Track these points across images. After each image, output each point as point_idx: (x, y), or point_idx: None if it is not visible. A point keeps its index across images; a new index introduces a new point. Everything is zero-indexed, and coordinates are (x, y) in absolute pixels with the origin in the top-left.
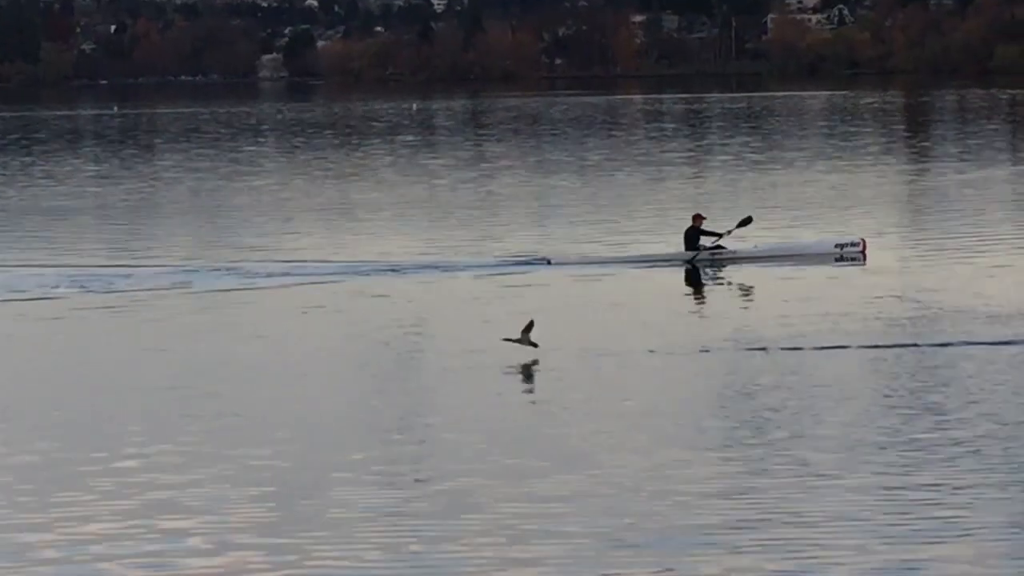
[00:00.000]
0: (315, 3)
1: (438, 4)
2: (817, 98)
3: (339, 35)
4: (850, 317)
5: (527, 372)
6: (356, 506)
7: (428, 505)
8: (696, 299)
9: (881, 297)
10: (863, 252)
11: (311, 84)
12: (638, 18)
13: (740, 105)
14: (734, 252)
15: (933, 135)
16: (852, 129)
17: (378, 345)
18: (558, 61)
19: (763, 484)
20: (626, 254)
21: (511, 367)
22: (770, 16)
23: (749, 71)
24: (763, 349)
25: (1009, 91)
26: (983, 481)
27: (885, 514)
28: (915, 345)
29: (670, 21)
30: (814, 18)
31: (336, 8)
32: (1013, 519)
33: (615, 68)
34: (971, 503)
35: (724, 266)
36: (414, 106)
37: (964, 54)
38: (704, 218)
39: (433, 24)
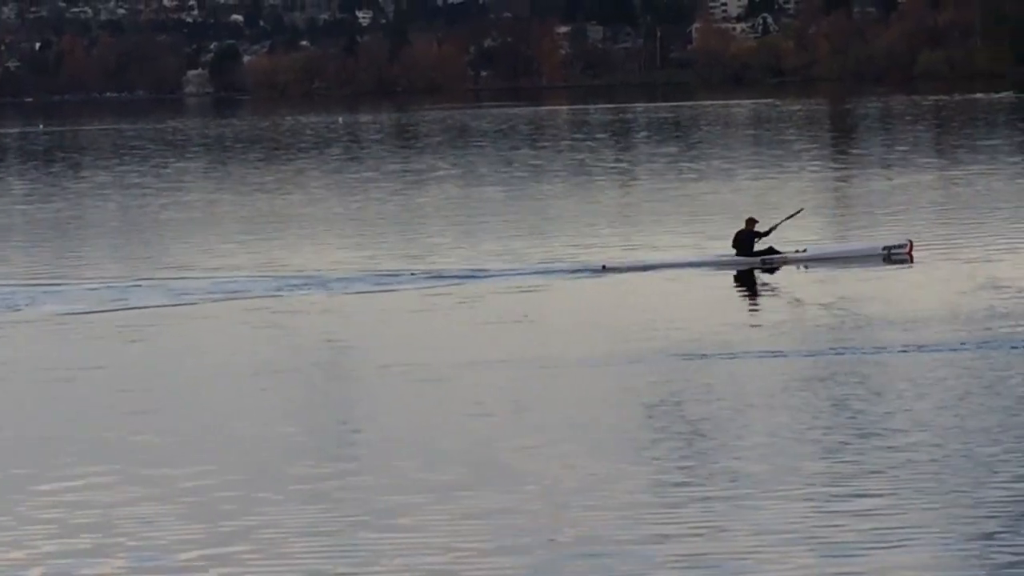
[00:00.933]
0: (240, 18)
1: (363, 18)
2: (743, 107)
3: (265, 50)
4: (784, 324)
5: (464, 386)
6: (286, 525)
7: (358, 523)
8: (670, 307)
9: (808, 305)
10: (910, 254)
11: (237, 99)
12: (563, 29)
13: (666, 115)
14: (785, 256)
15: (858, 142)
16: (778, 137)
17: (316, 360)
18: (484, 73)
19: (698, 496)
20: (683, 258)
21: (451, 380)
22: (695, 26)
23: (675, 80)
24: (703, 356)
25: (932, 97)
26: (923, 492)
27: (817, 525)
28: (845, 352)
29: (595, 32)
30: (738, 27)
31: (261, 23)
32: (944, 529)
33: (541, 79)
34: (907, 514)
35: (778, 269)
36: (341, 120)
37: (888, 61)
38: (757, 221)
39: (359, 38)
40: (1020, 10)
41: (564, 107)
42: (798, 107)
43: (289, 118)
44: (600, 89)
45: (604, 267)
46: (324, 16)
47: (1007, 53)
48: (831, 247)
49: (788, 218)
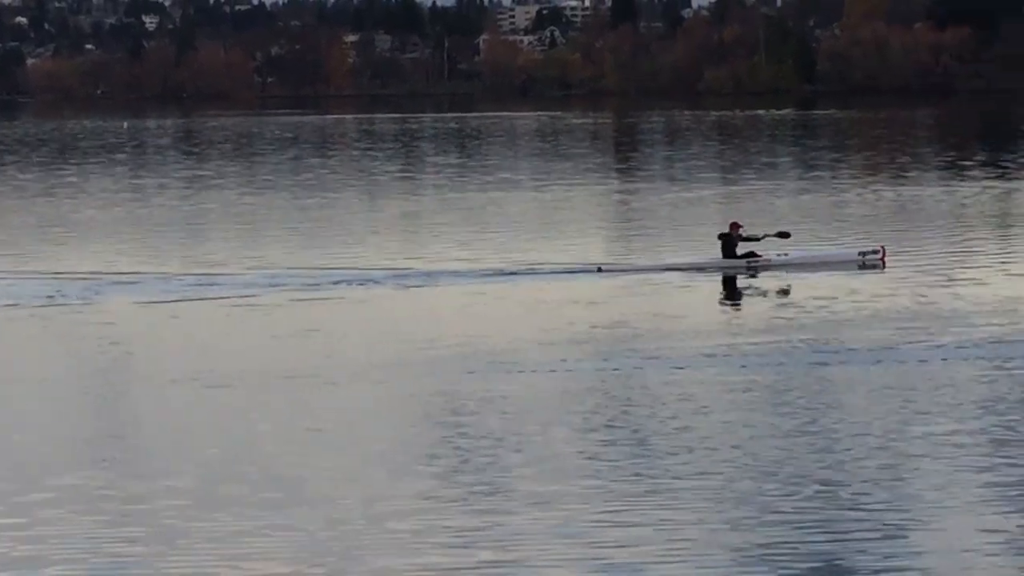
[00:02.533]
0: (24, 21)
1: (150, 22)
2: (528, 118)
3: (49, 53)
4: (590, 334)
5: (245, 399)
6: (53, 535)
7: (129, 537)
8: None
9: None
10: (882, 259)
11: (20, 102)
12: (351, 38)
13: (452, 125)
14: (768, 261)
15: (641, 156)
16: (561, 149)
17: (93, 368)
18: (270, 80)
19: (471, 515)
20: (673, 262)
21: (232, 393)
22: (482, 37)
23: (461, 91)
24: (491, 366)
25: (716, 113)
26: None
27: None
28: (628, 362)
29: (383, 41)
30: (526, 39)
31: (46, 26)
32: (719, 542)
33: (328, 87)
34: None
35: (759, 274)
36: (126, 124)
37: (673, 76)
38: (741, 226)
39: (145, 42)
40: (803, 28)
41: (351, 116)
42: (582, 120)
43: (73, 122)
44: (387, 98)
45: (600, 268)
46: (110, 20)
47: (791, 70)
48: (811, 252)
49: (777, 235)
